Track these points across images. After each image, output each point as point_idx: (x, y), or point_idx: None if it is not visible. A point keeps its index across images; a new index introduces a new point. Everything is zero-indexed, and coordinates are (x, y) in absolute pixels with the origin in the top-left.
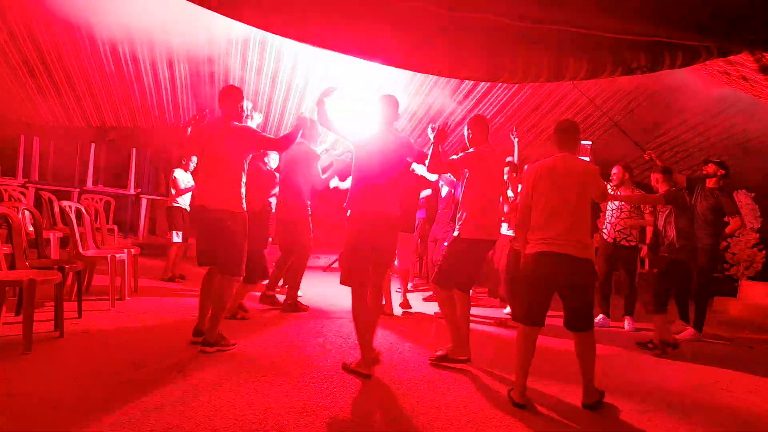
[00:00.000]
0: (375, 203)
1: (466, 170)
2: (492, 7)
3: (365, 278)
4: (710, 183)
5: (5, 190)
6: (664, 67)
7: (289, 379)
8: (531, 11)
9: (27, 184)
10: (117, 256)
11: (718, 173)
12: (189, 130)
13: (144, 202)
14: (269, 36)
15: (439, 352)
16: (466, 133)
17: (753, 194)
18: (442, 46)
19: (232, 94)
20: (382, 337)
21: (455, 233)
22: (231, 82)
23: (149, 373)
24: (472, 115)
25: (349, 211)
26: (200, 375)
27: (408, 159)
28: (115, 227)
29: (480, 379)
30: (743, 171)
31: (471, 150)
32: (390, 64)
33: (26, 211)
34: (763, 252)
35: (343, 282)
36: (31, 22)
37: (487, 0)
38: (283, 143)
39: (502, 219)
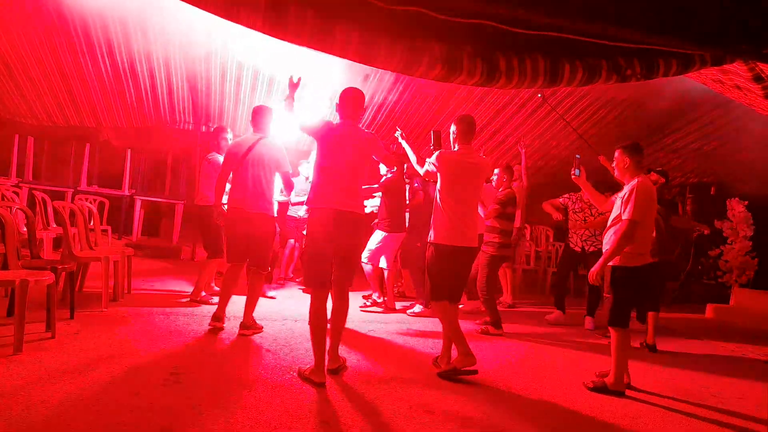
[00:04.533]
0: (336, 199)
1: (438, 172)
2: (489, 14)
3: (326, 278)
4: None
5: None
6: (658, 74)
7: (282, 382)
8: (527, 17)
9: (20, 184)
10: (110, 257)
11: (660, 181)
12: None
13: (138, 203)
14: (266, 38)
15: (445, 366)
16: (451, 131)
17: (746, 202)
18: (438, 51)
19: (266, 113)
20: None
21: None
22: (228, 84)
23: (140, 374)
24: (475, 112)
25: (309, 207)
26: (192, 377)
27: (373, 157)
28: (109, 228)
29: (477, 384)
30: (737, 179)
31: (439, 152)
32: (387, 69)
33: (19, 211)
34: (756, 260)
35: (305, 283)
36: (27, 21)
37: (483, 6)
38: (289, 187)
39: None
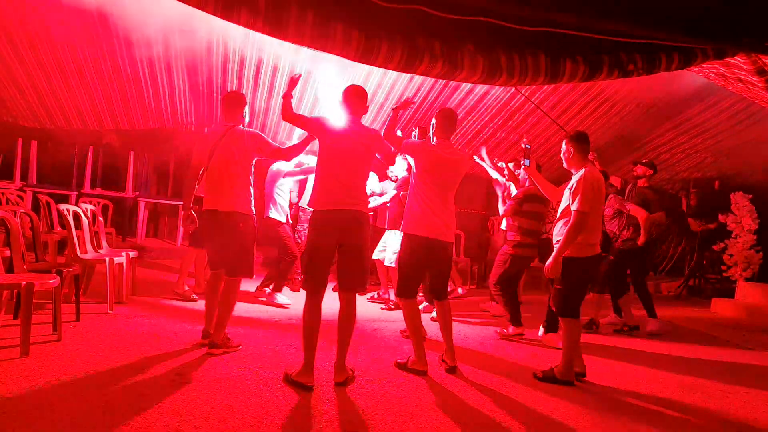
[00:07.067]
0: (339, 199)
1: (413, 161)
2: (489, 11)
3: (323, 281)
4: (641, 183)
5: (2, 193)
6: (661, 69)
7: (288, 384)
8: (528, 14)
9: (24, 188)
10: (115, 259)
11: (647, 173)
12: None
13: (142, 205)
14: (267, 39)
15: (401, 360)
16: (431, 124)
17: (750, 196)
18: (439, 49)
19: (236, 100)
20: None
21: (402, 230)
22: (229, 84)
23: (147, 375)
24: (475, 113)
25: (312, 208)
26: (198, 378)
27: (377, 155)
28: (113, 230)
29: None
30: (741, 172)
31: (426, 142)
32: (388, 68)
33: (24, 215)
34: (761, 254)
35: (302, 285)
36: (28, 24)
37: (484, 3)
38: (289, 153)
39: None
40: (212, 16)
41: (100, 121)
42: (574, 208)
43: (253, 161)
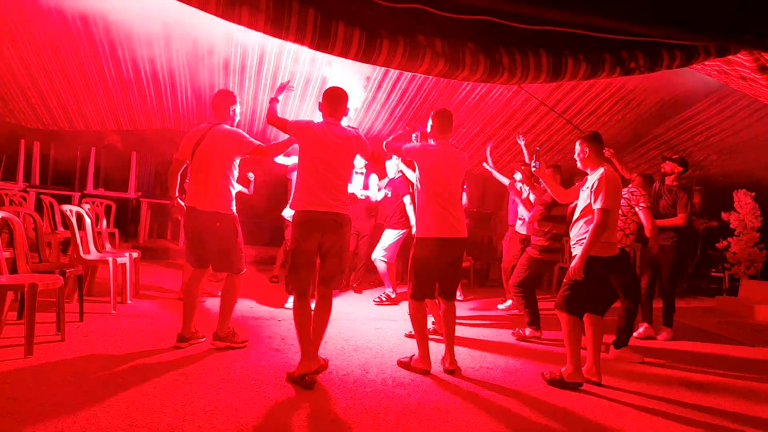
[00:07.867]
0: (320, 201)
1: (416, 164)
2: (490, 10)
3: (309, 282)
4: (669, 180)
5: (6, 194)
6: (663, 67)
7: (292, 383)
8: (528, 12)
9: (28, 189)
10: (118, 259)
11: (676, 170)
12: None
13: (145, 206)
14: (269, 39)
15: (404, 359)
16: (428, 125)
17: (753, 193)
18: (440, 47)
19: (224, 98)
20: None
21: (414, 233)
22: (231, 84)
23: (150, 375)
24: (475, 113)
25: (293, 211)
26: (202, 377)
27: (359, 155)
28: (116, 231)
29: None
30: (744, 170)
31: (429, 143)
32: (389, 67)
33: (27, 216)
34: (764, 251)
35: (287, 289)
36: (30, 24)
37: (485, 3)
38: (272, 151)
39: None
40: (214, 17)
41: (103, 121)
42: (597, 206)
43: (235, 160)
